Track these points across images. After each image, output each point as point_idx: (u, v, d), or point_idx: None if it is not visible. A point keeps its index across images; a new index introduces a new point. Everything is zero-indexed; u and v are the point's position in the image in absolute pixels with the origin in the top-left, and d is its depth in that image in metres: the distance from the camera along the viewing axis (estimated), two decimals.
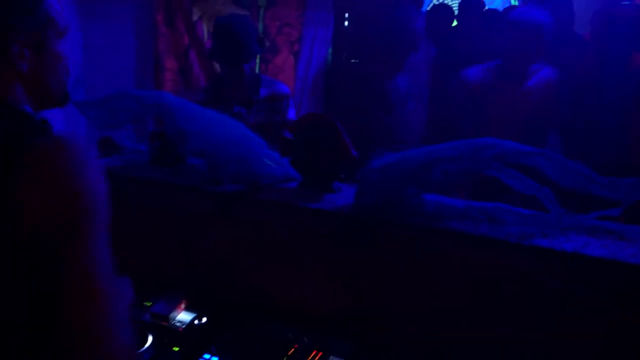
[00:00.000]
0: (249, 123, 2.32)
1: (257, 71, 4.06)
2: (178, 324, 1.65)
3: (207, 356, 1.50)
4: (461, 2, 4.65)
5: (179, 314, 1.70)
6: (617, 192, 1.35)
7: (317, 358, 1.47)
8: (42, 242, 0.92)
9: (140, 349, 1.52)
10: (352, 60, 5.70)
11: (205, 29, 4.23)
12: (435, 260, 1.47)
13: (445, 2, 6.17)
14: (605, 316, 1.29)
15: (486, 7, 4.77)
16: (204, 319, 1.65)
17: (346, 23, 5.75)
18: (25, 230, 0.91)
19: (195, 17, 4.22)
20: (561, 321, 1.33)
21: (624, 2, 4.08)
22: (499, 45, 2.92)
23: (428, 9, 5.10)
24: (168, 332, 1.61)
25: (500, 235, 1.40)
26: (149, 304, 1.71)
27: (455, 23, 4.69)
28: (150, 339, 1.57)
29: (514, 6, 4.70)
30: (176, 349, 1.55)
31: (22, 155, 0.93)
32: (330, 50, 4.42)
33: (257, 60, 4.05)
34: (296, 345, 1.51)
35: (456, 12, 4.84)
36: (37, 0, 1.13)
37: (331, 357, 1.47)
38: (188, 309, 1.71)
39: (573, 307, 1.31)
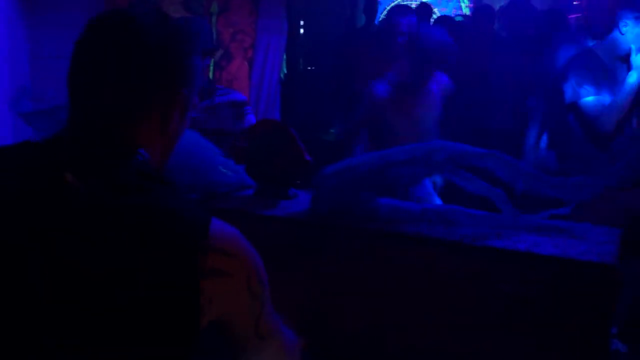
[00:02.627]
0: (204, 128, 2.28)
1: (210, 77, 4.02)
2: None
3: None
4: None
5: None
6: (565, 192, 1.38)
7: None
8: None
9: None
10: (309, 68, 5.71)
11: None
12: (392, 264, 1.47)
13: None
14: (556, 313, 1.31)
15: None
16: None
17: (302, 31, 5.75)
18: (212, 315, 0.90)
19: None
20: (516, 320, 1.35)
21: None
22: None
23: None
24: None
25: (454, 237, 1.41)
26: None
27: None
28: None
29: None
30: None
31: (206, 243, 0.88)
32: (284, 57, 4.41)
33: (211, 67, 4.01)
34: None
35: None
36: (195, 66, 1.00)
37: None
38: None
39: (526, 306, 1.33)
